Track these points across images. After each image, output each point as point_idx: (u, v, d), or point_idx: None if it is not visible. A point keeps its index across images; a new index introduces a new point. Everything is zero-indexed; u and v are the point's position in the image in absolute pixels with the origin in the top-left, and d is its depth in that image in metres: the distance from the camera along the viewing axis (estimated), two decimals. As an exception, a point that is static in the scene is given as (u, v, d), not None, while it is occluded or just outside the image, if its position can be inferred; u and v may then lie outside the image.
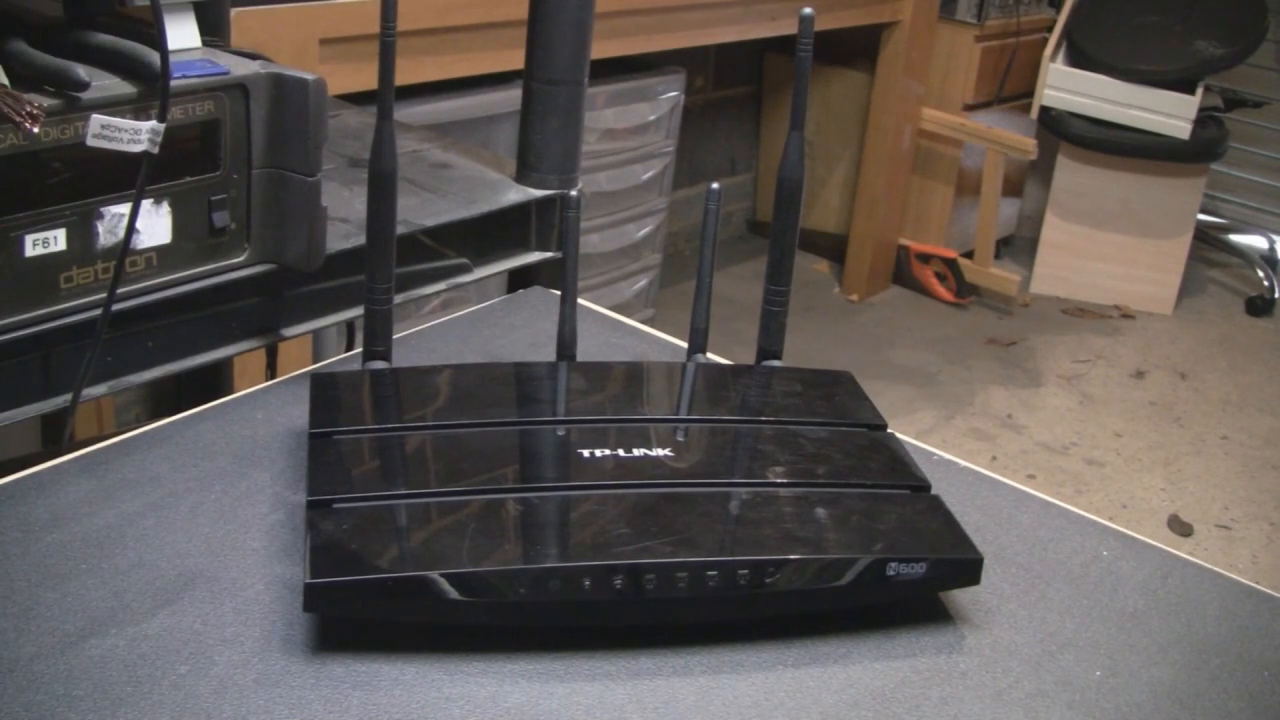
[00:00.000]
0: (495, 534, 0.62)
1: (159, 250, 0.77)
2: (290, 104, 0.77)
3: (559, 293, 0.81)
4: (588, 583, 0.59)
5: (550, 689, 0.58)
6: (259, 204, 0.80)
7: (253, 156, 0.79)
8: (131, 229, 0.73)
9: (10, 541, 0.64)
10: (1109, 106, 3.13)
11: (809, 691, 0.59)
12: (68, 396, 0.75)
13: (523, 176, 1.01)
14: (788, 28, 2.55)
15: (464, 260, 0.96)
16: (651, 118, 2.54)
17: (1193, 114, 3.07)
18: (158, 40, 0.70)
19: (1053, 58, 3.16)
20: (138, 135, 0.70)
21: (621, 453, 0.69)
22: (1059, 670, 0.63)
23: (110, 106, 0.71)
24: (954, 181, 3.18)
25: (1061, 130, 3.19)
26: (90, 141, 0.70)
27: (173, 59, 0.71)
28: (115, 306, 0.74)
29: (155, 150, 0.71)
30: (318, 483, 0.65)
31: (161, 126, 0.71)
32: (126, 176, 0.73)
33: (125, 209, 0.74)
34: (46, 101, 0.68)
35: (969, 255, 3.25)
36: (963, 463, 0.81)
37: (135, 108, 0.72)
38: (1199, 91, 3.09)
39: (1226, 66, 3.17)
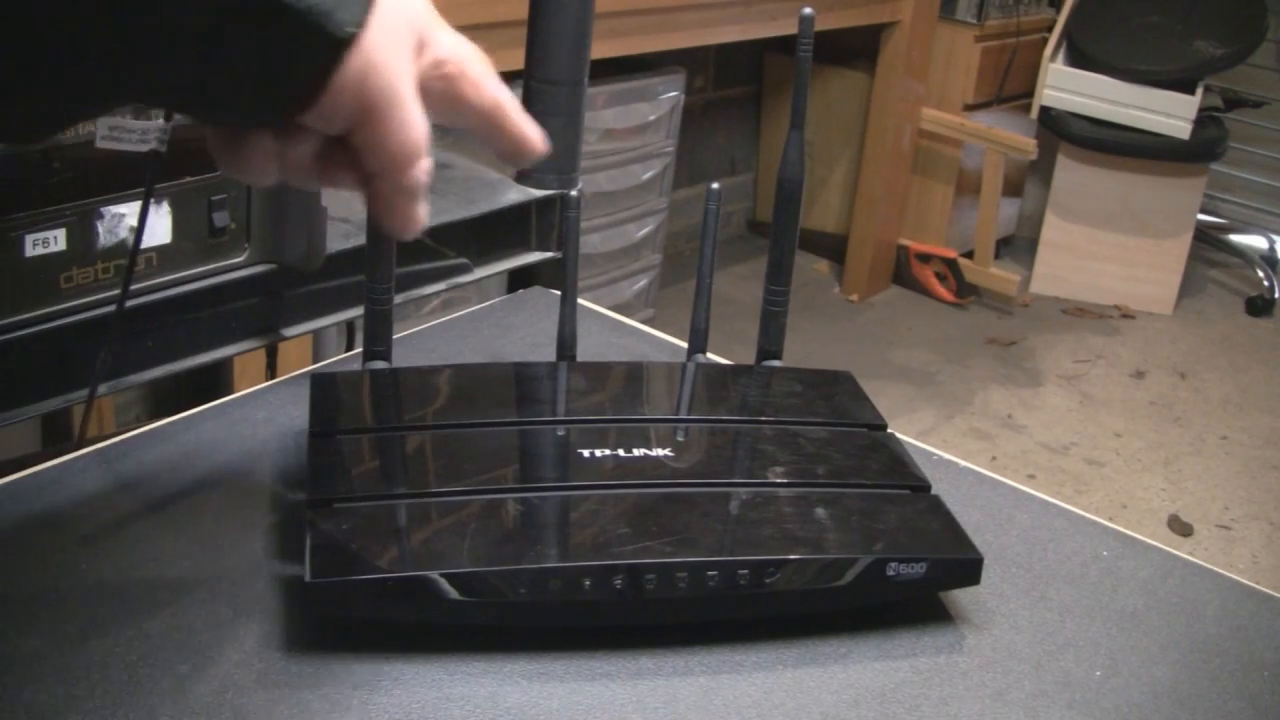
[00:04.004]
0: (495, 534, 0.62)
1: (159, 250, 0.77)
2: (290, 104, 0.77)
3: (559, 293, 0.81)
4: (588, 583, 0.59)
5: (550, 689, 0.58)
6: (259, 204, 0.80)
7: (253, 156, 0.78)
8: (143, 225, 0.73)
9: (10, 541, 0.64)
10: (1109, 106, 3.13)
11: (809, 691, 0.59)
12: (67, 397, 0.75)
13: (523, 176, 1.01)
14: (788, 28, 2.55)
15: (464, 260, 0.96)
16: (651, 118, 2.54)
17: (1193, 114, 3.07)
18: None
19: (1053, 58, 3.16)
20: (146, 135, 0.70)
21: (621, 453, 0.69)
22: (1059, 670, 0.63)
23: (110, 106, 0.71)
24: (954, 181, 3.18)
25: (1061, 130, 3.19)
26: (100, 143, 0.70)
27: (173, 59, 0.71)
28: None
29: (164, 149, 0.71)
30: (318, 483, 0.65)
31: (169, 125, 0.71)
32: (126, 176, 0.72)
33: (125, 209, 0.73)
34: (46, 101, 0.68)
35: (969, 255, 3.25)
36: (963, 463, 0.81)
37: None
38: (1199, 91, 3.09)
39: (1226, 66, 3.17)
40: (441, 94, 0.50)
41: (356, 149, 0.49)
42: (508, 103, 0.53)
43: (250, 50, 0.44)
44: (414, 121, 0.48)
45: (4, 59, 0.40)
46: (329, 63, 0.45)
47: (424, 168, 0.49)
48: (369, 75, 0.46)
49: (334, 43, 0.45)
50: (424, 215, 0.51)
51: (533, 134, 0.53)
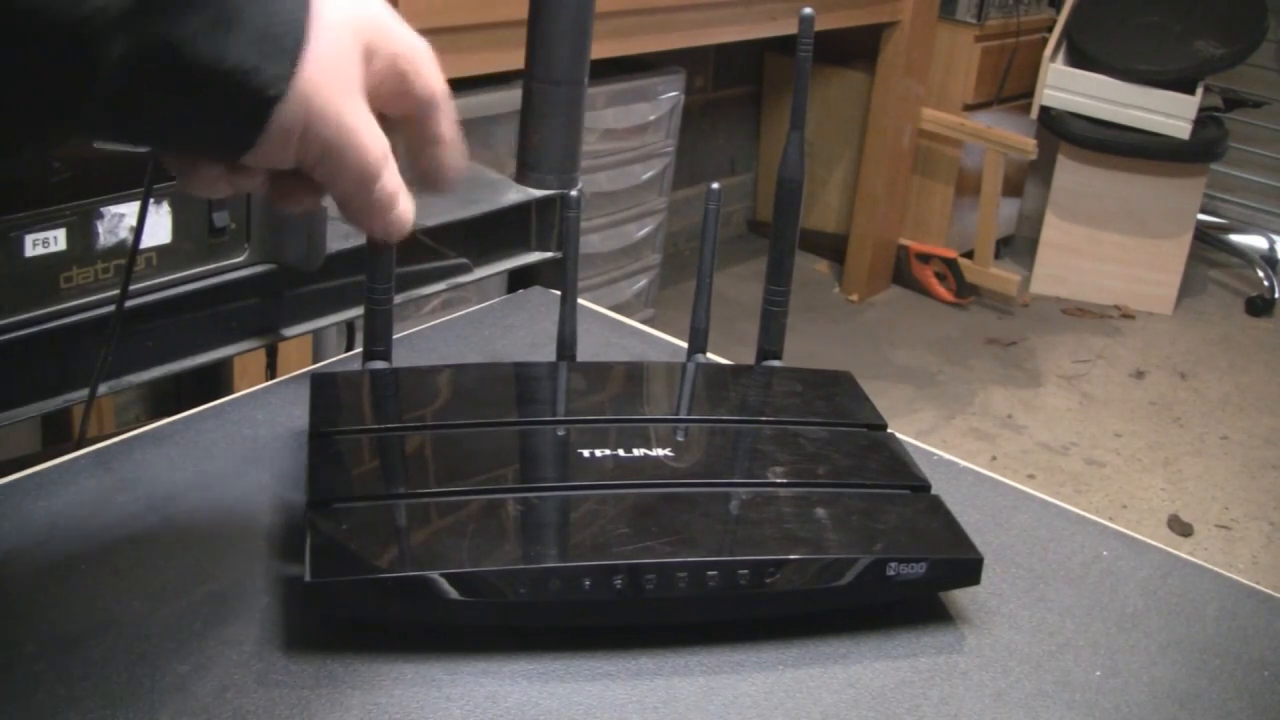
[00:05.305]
0: (495, 534, 0.62)
1: (159, 250, 0.77)
2: (290, 104, 0.77)
3: (559, 293, 0.81)
4: (588, 583, 0.59)
5: (550, 689, 0.58)
6: (259, 204, 0.80)
7: (253, 156, 0.78)
8: (143, 225, 0.73)
9: (10, 541, 0.64)
10: (1109, 106, 3.13)
11: (809, 691, 0.59)
12: (67, 397, 0.75)
13: (523, 176, 1.01)
14: (788, 28, 2.55)
15: (464, 260, 0.96)
16: (651, 118, 2.54)
17: (1193, 114, 3.07)
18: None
19: (1053, 58, 3.16)
20: (140, 135, 0.70)
21: (621, 453, 0.69)
22: (1059, 670, 0.63)
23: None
24: (954, 181, 3.18)
25: (1061, 130, 3.19)
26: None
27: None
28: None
29: (159, 150, 0.71)
30: (318, 483, 0.65)
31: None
32: (126, 176, 0.73)
33: (125, 209, 0.73)
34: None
35: (969, 255, 3.25)
36: (963, 463, 0.81)
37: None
38: (1199, 91, 3.09)
39: (1226, 66, 3.17)
40: (393, 90, 0.50)
41: (318, 182, 0.49)
42: (444, 102, 0.53)
43: (173, 108, 0.44)
44: (368, 147, 0.48)
45: None
46: (259, 117, 0.45)
47: (388, 180, 0.49)
48: (313, 124, 0.46)
49: (260, 100, 0.45)
50: (407, 217, 0.51)
51: (454, 158, 0.54)
